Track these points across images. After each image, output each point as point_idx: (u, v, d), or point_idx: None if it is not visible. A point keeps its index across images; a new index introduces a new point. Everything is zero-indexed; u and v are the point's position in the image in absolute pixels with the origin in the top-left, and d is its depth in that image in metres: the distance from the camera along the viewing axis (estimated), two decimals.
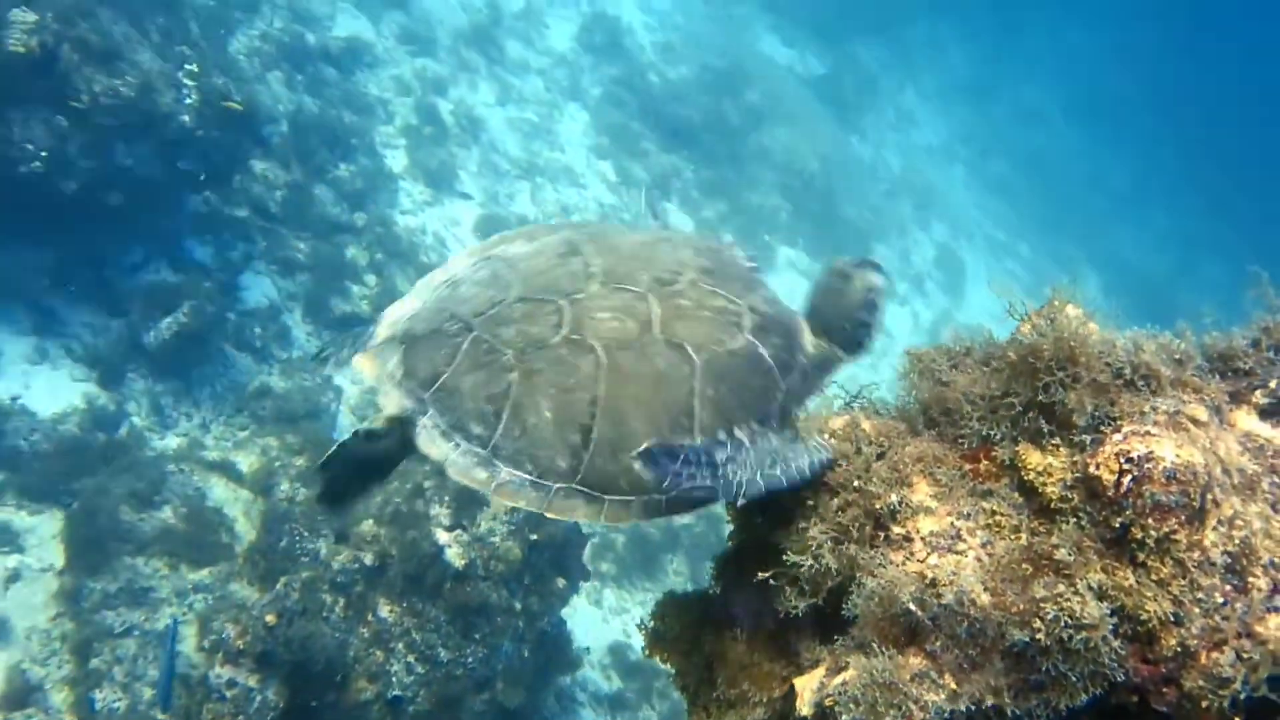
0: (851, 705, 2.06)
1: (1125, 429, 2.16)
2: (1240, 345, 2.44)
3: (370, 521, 7.01)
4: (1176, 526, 2.03)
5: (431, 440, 2.62)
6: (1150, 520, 2.04)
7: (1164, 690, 2.02)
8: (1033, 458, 2.25)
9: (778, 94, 20.59)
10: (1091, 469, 2.14)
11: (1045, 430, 2.26)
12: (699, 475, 2.41)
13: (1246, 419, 2.34)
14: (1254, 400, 2.35)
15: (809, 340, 2.88)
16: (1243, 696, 1.87)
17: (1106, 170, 31.88)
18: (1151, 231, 31.23)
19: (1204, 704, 1.91)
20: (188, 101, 7.56)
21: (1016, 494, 2.26)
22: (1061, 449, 2.23)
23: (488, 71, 16.40)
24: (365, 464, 2.86)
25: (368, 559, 6.79)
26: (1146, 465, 2.06)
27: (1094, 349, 2.32)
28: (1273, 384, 2.32)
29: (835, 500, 2.34)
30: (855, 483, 2.32)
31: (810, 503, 2.34)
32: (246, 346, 9.76)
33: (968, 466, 2.33)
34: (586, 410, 2.58)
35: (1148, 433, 2.12)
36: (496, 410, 2.61)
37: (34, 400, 8.11)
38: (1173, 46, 39.66)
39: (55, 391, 8.26)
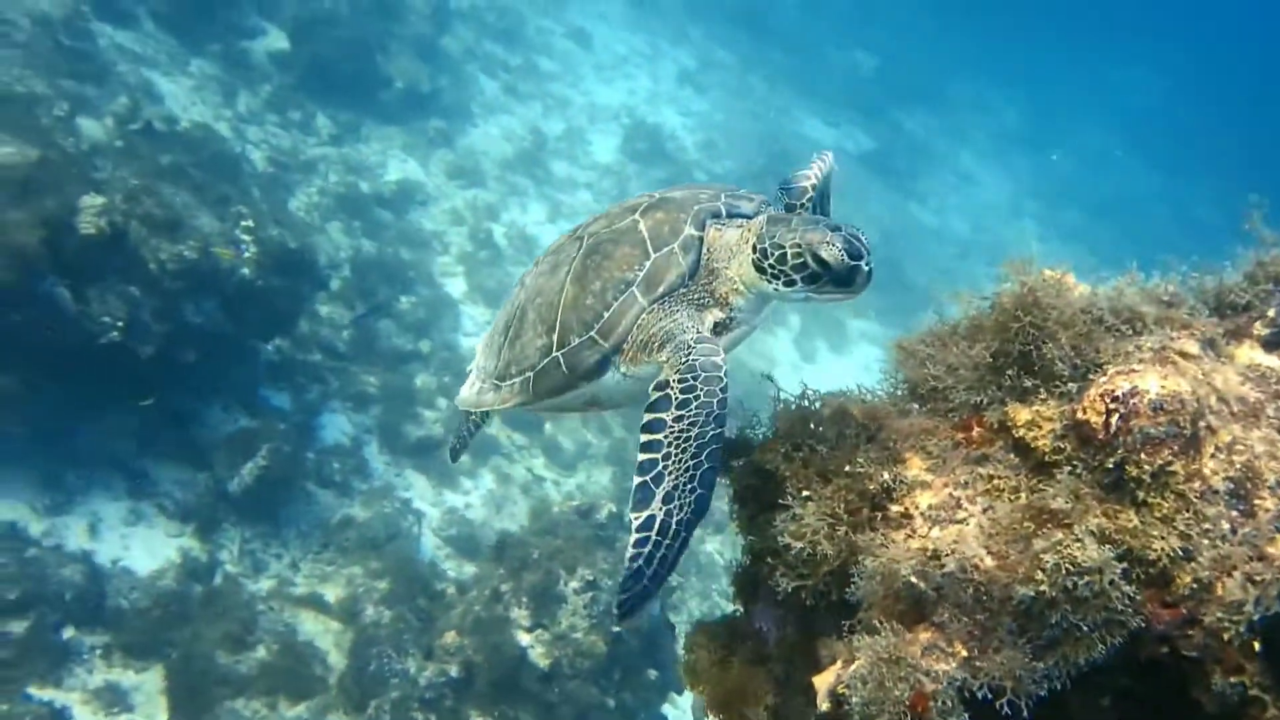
0: (859, 685, 2.04)
1: (1110, 370, 2.16)
2: (1234, 281, 2.42)
3: (453, 633, 7.11)
4: (1171, 458, 2.00)
5: (458, 400, 3.49)
6: (1143, 455, 2.02)
7: (1190, 633, 1.94)
8: (1021, 415, 2.25)
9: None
10: (1079, 415, 2.13)
11: (1031, 386, 2.27)
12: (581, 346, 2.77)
13: (1249, 351, 2.30)
14: (1255, 332, 2.32)
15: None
16: (1257, 619, 1.79)
17: (1187, 202, 30.99)
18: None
19: (1225, 636, 1.84)
20: (246, 255, 8.22)
21: (1012, 455, 2.25)
22: (1050, 401, 2.23)
23: (536, 192, 17.26)
24: None
25: (453, 670, 6.86)
26: (1132, 400, 2.04)
27: (1074, 301, 2.34)
28: (1271, 312, 2.29)
29: (828, 487, 2.36)
30: (846, 467, 2.35)
31: (805, 492, 2.37)
32: (328, 483, 10.20)
33: (960, 436, 2.34)
34: (513, 316, 3.10)
35: (1132, 370, 2.12)
36: (487, 348, 3.33)
37: (133, 560, 8.57)
38: (1214, 60, 39.03)
39: (152, 549, 8.74)
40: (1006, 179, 27.85)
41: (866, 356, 16.45)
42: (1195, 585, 1.92)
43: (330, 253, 12.62)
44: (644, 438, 2.46)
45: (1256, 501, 1.94)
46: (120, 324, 7.14)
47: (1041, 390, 2.25)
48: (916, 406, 2.46)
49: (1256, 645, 1.79)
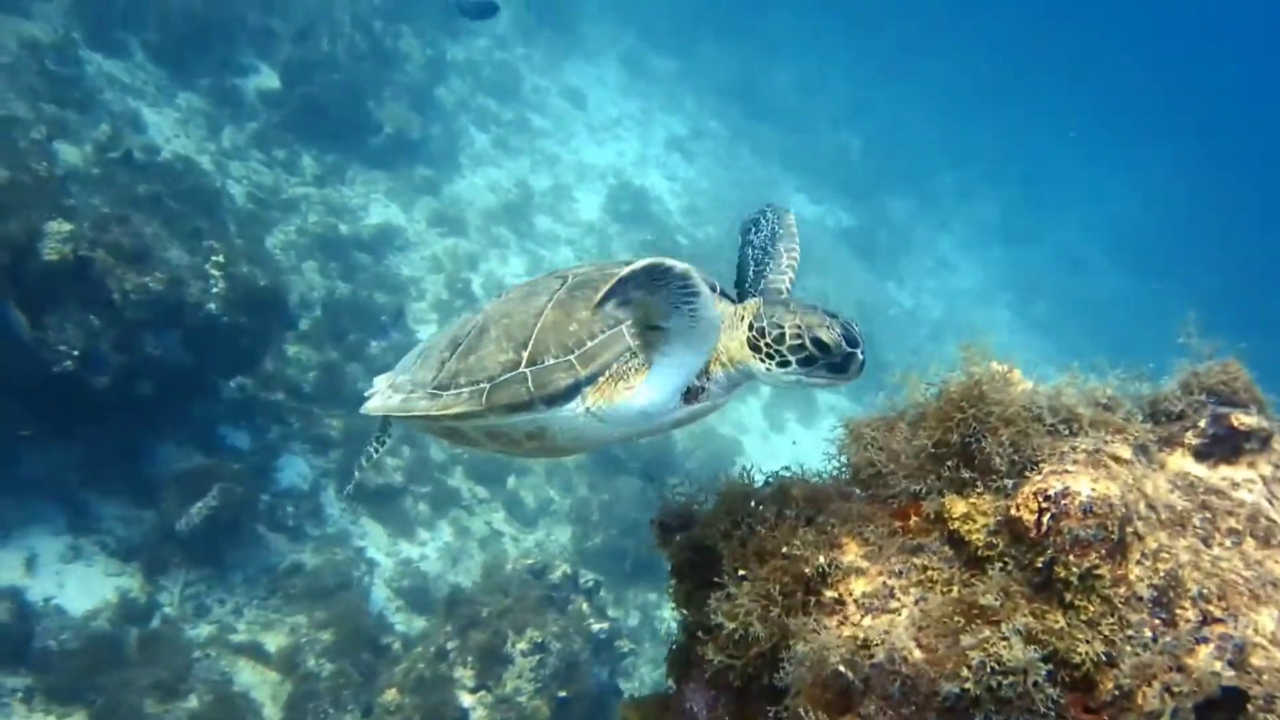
0: None
1: (1045, 469, 2.21)
2: (1169, 389, 2.49)
3: (394, 690, 6.95)
4: (1098, 561, 2.04)
5: (367, 405, 3.38)
6: (1072, 557, 2.05)
7: None
8: (958, 507, 2.28)
9: (807, 247, 21.17)
10: (1013, 511, 2.17)
11: (969, 478, 2.31)
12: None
13: (1180, 460, 2.36)
14: (1187, 441, 2.38)
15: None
16: None
17: (1157, 310, 31.79)
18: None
19: None
20: (214, 290, 8.21)
21: (947, 547, 2.28)
22: (985, 495, 2.27)
23: (518, 245, 17.40)
24: None
25: None
26: (1063, 501, 2.09)
27: (1017, 396, 2.40)
28: (1202, 423, 2.35)
29: (764, 568, 2.37)
30: (783, 549, 2.36)
31: (740, 571, 2.38)
32: (280, 527, 10.02)
33: (897, 524, 2.37)
34: (463, 333, 3.08)
35: (1065, 470, 2.16)
36: (417, 360, 3.29)
37: (67, 599, 8.32)
38: (1201, 179, 40.53)
39: (89, 588, 8.49)
40: (982, 268, 28.50)
41: (834, 430, 16.51)
42: (1117, 692, 1.95)
43: (303, 292, 12.61)
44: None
45: (1178, 611, 1.98)
46: (76, 353, 7.07)
47: (979, 484, 2.29)
48: (858, 491, 2.49)
49: None
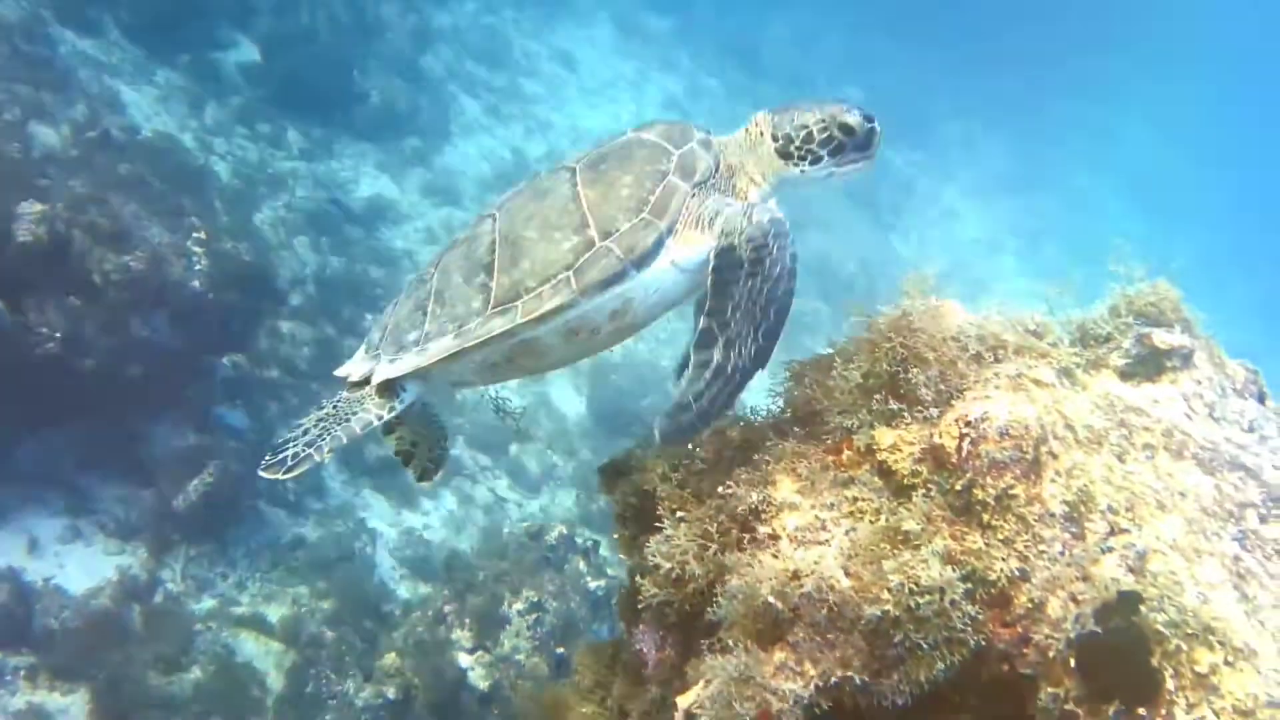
0: (709, 705, 2.12)
1: (968, 395, 2.27)
2: (1098, 314, 2.54)
3: (393, 654, 7.12)
4: (1013, 481, 2.11)
5: (382, 371, 3.04)
6: (989, 479, 2.13)
7: (1025, 651, 2.04)
8: (885, 438, 2.35)
9: (808, 203, 21.23)
10: (936, 439, 2.24)
11: (896, 410, 2.37)
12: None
13: (1104, 380, 2.42)
14: (1111, 363, 2.44)
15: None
16: (1074, 635, 1.89)
17: (1169, 249, 31.44)
18: (1230, 304, 30.39)
19: (1050, 653, 1.93)
20: (198, 268, 8.29)
21: (876, 478, 2.35)
22: (912, 425, 2.33)
23: None
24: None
25: (391, 692, 6.87)
26: (982, 425, 2.16)
27: (945, 327, 2.46)
28: (1126, 343, 2.41)
29: (701, 508, 2.45)
30: (719, 488, 2.44)
31: (679, 513, 2.46)
32: (280, 502, 10.19)
33: (831, 458, 2.44)
34: (486, 254, 2.91)
35: (986, 396, 2.23)
36: (422, 310, 3.01)
37: (67, 579, 8.48)
38: (1215, 114, 40.04)
39: (89, 568, 8.67)
40: (988, 216, 28.27)
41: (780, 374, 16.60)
42: (1030, 605, 2.03)
43: (295, 268, 12.68)
44: (710, 304, 2.55)
45: (1087, 524, 2.05)
46: (58, 335, 7.17)
47: (906, 414, 2.35)
48: (795, 429, 2.56)
49: (1072, 661, 1.88)
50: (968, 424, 2.16)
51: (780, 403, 2.67)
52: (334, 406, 3.20)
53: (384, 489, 11.06)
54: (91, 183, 8.88)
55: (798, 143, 2.86)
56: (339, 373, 3.31)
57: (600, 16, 27.13)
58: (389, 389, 3.09)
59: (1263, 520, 2.04)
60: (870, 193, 24.81)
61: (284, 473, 2.97)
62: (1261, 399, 2.46)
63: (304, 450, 3.02)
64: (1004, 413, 2.14)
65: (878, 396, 2.39)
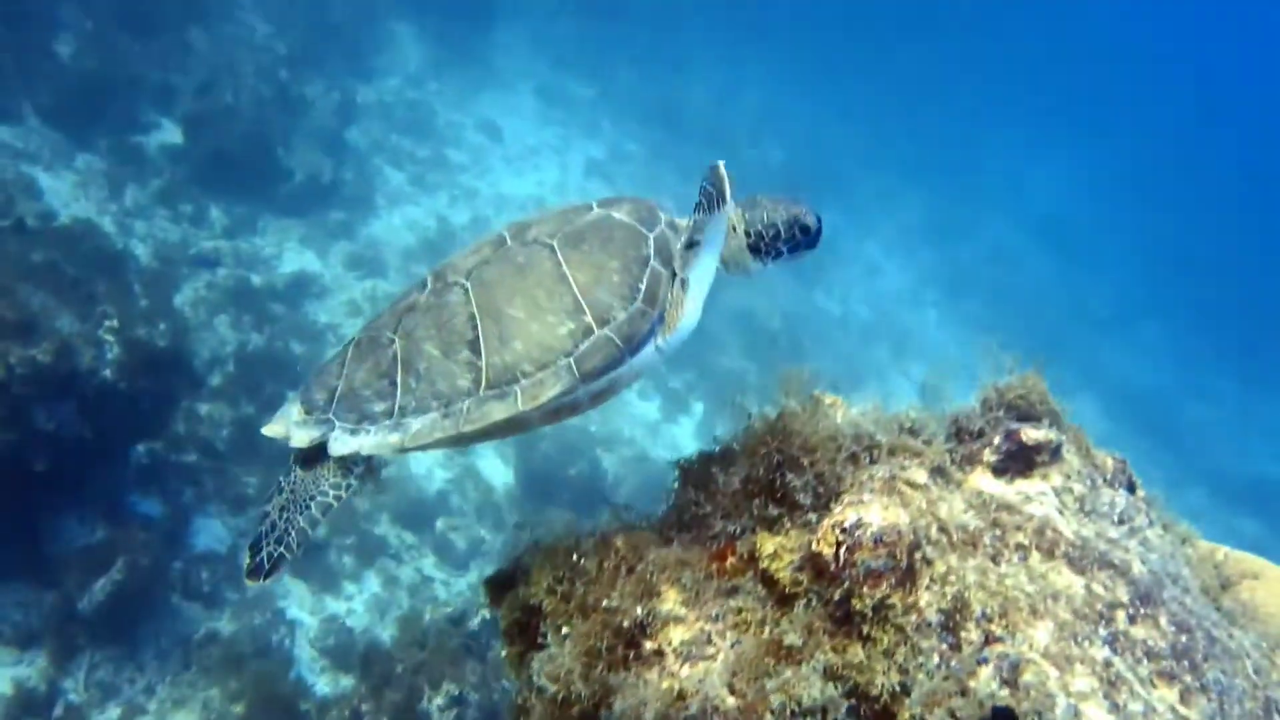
0: None
1: (844, 499, 2.25)
2: (970, 408, 2.56)
3: None
4: (889, 590, 2.08)
5: (342, 443, 2.79)
6: (866, 588, 2.09)
7: None
8: (767, 545, 2.31)
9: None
10: (814, 546, 2.20)
11: (777, 515, 2.34)
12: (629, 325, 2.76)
13: (979, 477, 2.42)
14: (984, 459, 2.44)
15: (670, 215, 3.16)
16: None
17: (1084, 296, 32.80)
18: (1143, 349, 31.70)
19: None
20: (109, 356, 8.00)
21: (760, 586, 2.31)
22: (792, 531, 2.30)
23: None
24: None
25: None
26: (856, 533, 2.13)
27: (823, 427, 2.44)
28: (996, 439, 2.42)
29: (586, 623, 2.37)
30: (604, 601, 2.36)
31: (564, 629, 2.37)
32: (195, 594, 9.72)
33: (715, 565, 2.39)
34: (466, 327, 2.80)
35: (861, 500, 2.20)
36: (390, 379, 2.82)
37: None
38: (1128, 164, 42.16)
39: None
40: (910, 268, 29.05)
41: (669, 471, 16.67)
42: None
43: (215, 348, 12.34)
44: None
45: (963, 633, 2.02)
46: None
47: (787, 519, 2.32)
48: (680, 535, 2.50)
49: None
50: (843, 531, 2.13)
51: (667, 504, 2.62)
52: (290, 490, 2.92)
53: (304, 574, 10.66)
54: (4, 272, 8.57)
55: (767, 239, 3.19)
56: (270, 432, 3.00)
57: (523, 86, 27.46)
58: (342, 462, 2.87)
59: (1132, 621, 2.03)
60: None
61: (264, 578, 2.78)
62: (1131, 488, 2.49)
63: (275, 549, 2.81)
64: (877, 519, 2.11)
65: (758, 501, 2.35)
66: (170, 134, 15.09)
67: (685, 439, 17.04)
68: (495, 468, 13.73)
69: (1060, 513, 2.31)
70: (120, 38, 15.73)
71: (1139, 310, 33.86)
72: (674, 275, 2.92)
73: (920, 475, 2.29)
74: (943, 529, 2.18)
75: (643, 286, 2.83)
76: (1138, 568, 2.20)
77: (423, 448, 2.80)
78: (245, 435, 11.43)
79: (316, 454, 2.88)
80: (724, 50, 36.42)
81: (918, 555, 2.10)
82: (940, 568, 2.11)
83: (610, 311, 2.77)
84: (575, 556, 2.48)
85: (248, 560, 2.81)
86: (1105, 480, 2.47)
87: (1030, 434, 2.36)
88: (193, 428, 10.91)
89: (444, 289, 2.93)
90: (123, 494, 9.79)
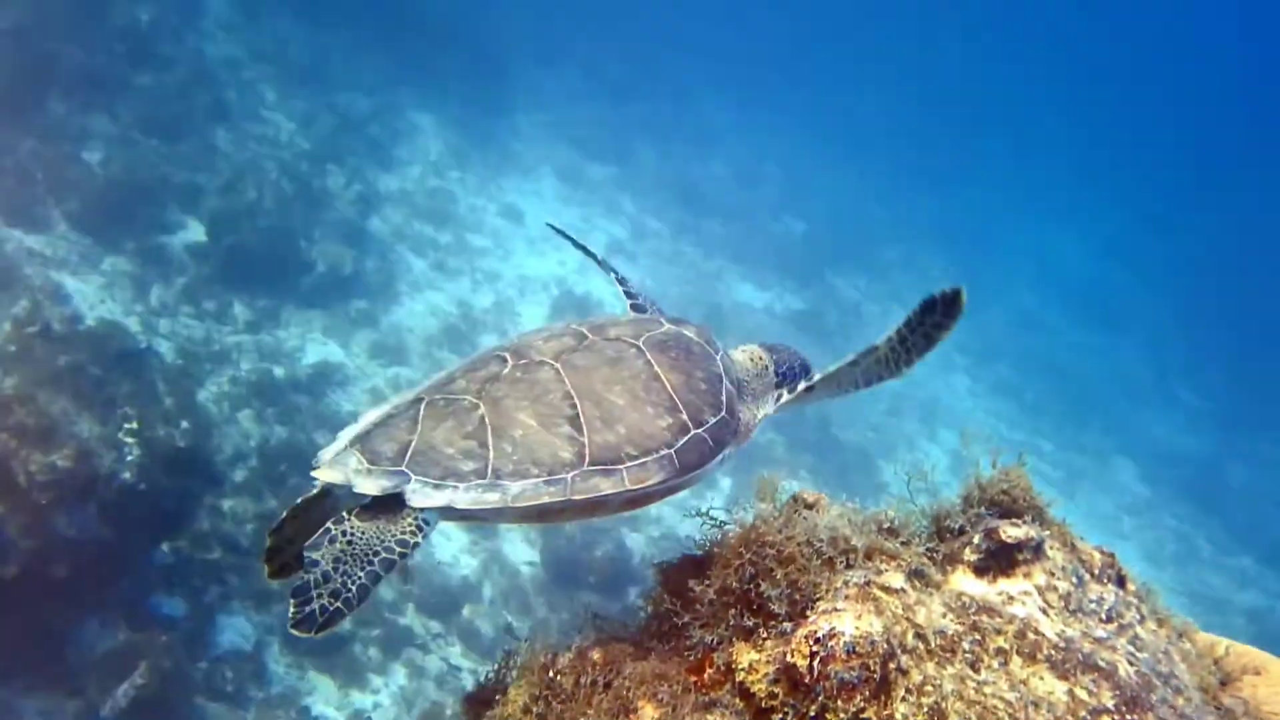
0: None
1: (819, 607, 2.23)
2: (950, 505, 2.55)
3: None
4: (864, 704, 2.05)
5: (426, 496, 2.79)
6: (840, 701, 2.06)
7: None
8: (744, 656, 2.30)
9: (754, 336, 21.57)
10: (789, 657, 2.18)
11: (753, 625, 2.32)
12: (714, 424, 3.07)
13: (960, 578, 2.40)
14: (965, 558, 2.42)
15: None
16: None
17: (1117, 358, 32.53)
18: (1182, 413, 31.19)
19: None
20: (129, 458, 8.17)
21: (738, 699, 2.28)
22: (768, 641, 2.28)
23: None
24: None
25: None
26: (829, 643, 2.11)
27: (798, 533, 2.44)
28: (976, 538, 2.40)
29: None
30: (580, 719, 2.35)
31: None
32: (219, 695, 9.71)
33: (692, 678, 2.37)
34: (563, 404, 2.97)
35: (834, 609, 2.19)
36: (480, 441, 2.88)
37: None
38: (1154, 226, 42.15)
39: None
40: None
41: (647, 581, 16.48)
42: None
43: (238, 443, 12.53)
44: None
45: None
46: None
47: (762, 629, 2.31)
48: (657, 645, 2.49)
49: None
50: (816, 641, 2.12)
51: (647, 612, 2.61)
52: (347, 540, 2.77)
53: (329, 668, 10.62)
54: (28, 378, 8.83)
55: (789, 381, 3.69)
56: (326, 477, 2.94)
57: (544, 170, 28.14)
58: (417, 518, 2.82)
59: None
60: (818, 321, 25.39)
61: (315, 631, 2.63)
62: (1121, 583, 2.45)
63: (331, 603, 2.65)
64: (850, 628, 2.10)
65: (734, 611, 2.34)
66: (195, 233, 15.60)
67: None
68: (520, 551, 13.68)
69: (1044, 612, 2.28)
70: (148, 142, 16.44)
71: (1175, 371, 33.42)
72: (739, 390, 3.38)
73: (897, 579, 2.27)
74: (920, 635, 2.16)
75: (723, 399, 3.20)
76: (1125, 669, 2.15)
77: (517, 512, 2.84)
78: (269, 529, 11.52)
79: (378, 507, 2.83)
80: (743, 126, 37.19)
81: (892, 665, 2.07)
82: (916, 677, 2.08)
83: (702, 414, 3.08)
84: (551, 673, 2.48)
85: (293, 609, 2.64)
86: (1093, 575, 2.43)
87: (1009, 531, 2.34)
88: (216, 524, 11.01)
89: (530, 366, 3.10)
90: (145, 595, 9.87)
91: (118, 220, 14.55)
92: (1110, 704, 2.03)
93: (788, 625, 2.26)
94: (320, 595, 2.67)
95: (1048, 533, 2.41)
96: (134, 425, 8.37)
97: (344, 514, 2.87)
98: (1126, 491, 25.25)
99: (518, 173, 27.12)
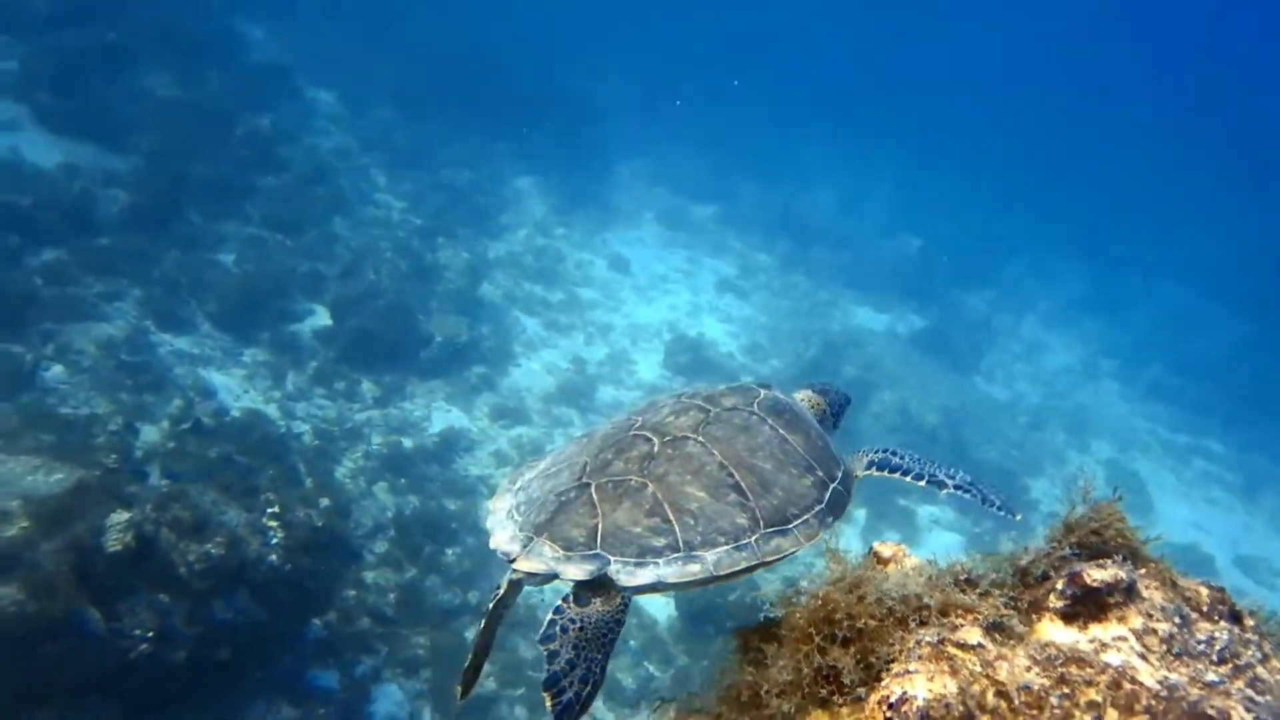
0: None
1: (893, 669, 2.20)
2: (1035, 550, 2.46)
3: None
4: None
5: (633, 575, 2.99)
6: None
7: None
8: None
9: (877, 361, 21.20)
10: None
11: (827, 695, 2.30)
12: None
13: (1047, 627, 2.30)
14: (1050, 604, 2.32)
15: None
16: None
17: (1274, 349, 30.08)
18: None
19: None
20: (274, 542, 8.70)
21: None
22: (842, 710, 2.25)
23: (581, 420, 17.80)
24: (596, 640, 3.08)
25: None
26: (902, 709, 2.07)
27: (870, 595, 2.41)
28: (1059, 584, 2.31)
29: None
30: None
31: None
32: None
33: None
34: (722, 474, 3.19)
35: (906, 671, 2.15)
36: (663, 518, 3.07)
37: None
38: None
39: None
40: (1077, 342, 27.58)
41: (940, 543, 15.87)
42: None
43: (376, 515, 13.12)
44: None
45: None
46: (150, 635, 7.53)
47: (837, 696, 2.28)
48: (735, 716, 2.49)
49: None
50: (889, 707, 2.08)
51: (723, 683, 2.61)
52: (579, 628, 3.02)
53: None
54: (186, 470, 9.58)
55: (838, 417, 4.23)
56: (529, 567, 3.14)
57: (646, 216, 28.60)
58: (619, 595, 3.03)
59: None
60: (944, 337, 24.63)
61: (577, 716, 2.95)
62: (1236, 619, 2.30)
63: (583, 690, 2.99)
64: (923, 692, 2.05)
65: (808, 679, 2.33)
66: (322, 318, 16.60)
67: (848, 544, 16.46)
68: (656, 604, 13.70)
69: (1142, 658, 2.16)
70: (274, 238, 17.68)
71: None
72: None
73: (974, 635, 2.21)
74: (1001, 693, 2.09)
75: (834, 452, 3.52)
76: (1239, 716, 2.02)
77: (715, 579, 3.00)
78: (411, 598, 11.99)
79: (584, 591, 3.06)
80: (846, 154, 36.83)
81: None
82: None
83: (831, 470, 3.38)
84: None
85: (550, 701, 2.94)
86: (1200, 613, 2.30)
87: (1094, 575, 2.24)
88: (362, 597, 11.54)
89: (676, 442, 3.32)
90: (303, 670, 10.41)
91: (253, 314, 15.64)
92: None
93: (862, 691, 2.23)
94: (571, 684, 2.98)
95: (1142, 571, 2.30)
96: (276, 510, 8.91)
97: (561, 605, 3.08)
98: None
99: (620, 222, 27.67)
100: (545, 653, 2.98)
